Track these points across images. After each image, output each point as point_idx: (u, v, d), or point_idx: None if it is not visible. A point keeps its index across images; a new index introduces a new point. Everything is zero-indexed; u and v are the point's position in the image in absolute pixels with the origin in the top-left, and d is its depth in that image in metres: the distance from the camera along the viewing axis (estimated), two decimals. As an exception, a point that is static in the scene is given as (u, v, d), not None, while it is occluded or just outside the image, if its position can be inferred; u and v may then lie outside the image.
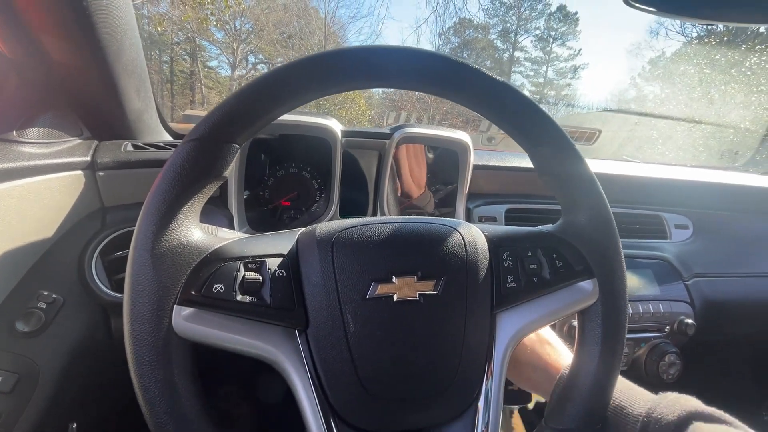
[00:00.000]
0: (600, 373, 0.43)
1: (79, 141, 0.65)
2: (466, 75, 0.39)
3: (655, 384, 0.85)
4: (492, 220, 0.88)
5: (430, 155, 0.91)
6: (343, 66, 0.37)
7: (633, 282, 0.87)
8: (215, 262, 0.36)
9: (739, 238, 1.04)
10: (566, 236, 0.44)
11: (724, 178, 1.06)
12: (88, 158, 0.63)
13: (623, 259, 0.44)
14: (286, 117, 0.72)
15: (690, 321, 0.85)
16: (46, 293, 0.57)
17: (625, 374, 0.88)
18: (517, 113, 0.41)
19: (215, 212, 0.71)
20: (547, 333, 0.56)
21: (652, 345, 0.85)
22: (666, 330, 0.86)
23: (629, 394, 0.47)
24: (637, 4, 0.63)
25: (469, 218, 0.88)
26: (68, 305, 0.59)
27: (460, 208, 0.86)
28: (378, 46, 0.37)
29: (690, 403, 0.43)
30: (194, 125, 0.36)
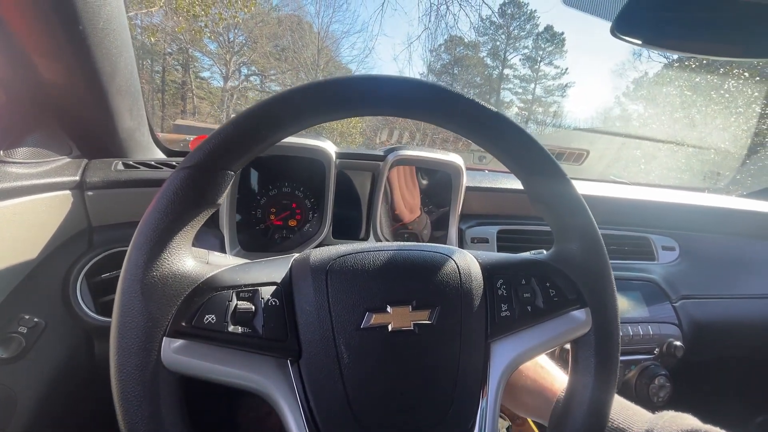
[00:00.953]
0: (594, 404, 0.43)
1: (68, 160, 0.64)
2: (462, 106, 0.40)
3: (645, 407, 0.85)
4: (484, 241, 0.89)
5: (424, 179, 0.92)
6: (341, 95, 0.37)
7: (622, 304, 0.87)
8: (207, 291, 0.35)
9: (723, 260, 1.06)
10: (559, 265, 0.45)
11: (708, 200, 1.09)
12: (77, 178, 0.62)
13: (615, 287, 0.45)
14: None
15: (678, 343, 0.85)
16: (27, 317, 0.55)
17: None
18: (511, 143, 0.42)
19: (206, 233, 0.71)
20: (539, 356, 0.56)
21: (642, 367, 0.86)
22: (655, 352, 0.87)
23: (626, 415, 0.47)
24: (623, 36, 0.66)
25: (461, 239, 0.88)
26: (50, 329, 0.57)
27: (453, 229, 0.86)
28: (377, 76, 0.38)
29: (687, 421, 0.44)
30: (189, 154, 0.36)
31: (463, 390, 0.40)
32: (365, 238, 0.86)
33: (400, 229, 0.91)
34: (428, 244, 0.45)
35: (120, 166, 0.67)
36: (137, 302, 0.32)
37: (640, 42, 0.67)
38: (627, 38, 0.65)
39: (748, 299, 1.02)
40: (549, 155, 0.43)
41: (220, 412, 0.73)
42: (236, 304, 0.36)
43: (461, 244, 0.88)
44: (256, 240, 0.80)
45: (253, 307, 0.36)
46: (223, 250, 0.71)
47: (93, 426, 0.67)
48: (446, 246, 0.45)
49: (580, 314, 0.43)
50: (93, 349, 0.63)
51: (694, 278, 0.99)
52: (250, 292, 0.37)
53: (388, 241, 0.85)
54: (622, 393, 0.87)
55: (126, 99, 0.65)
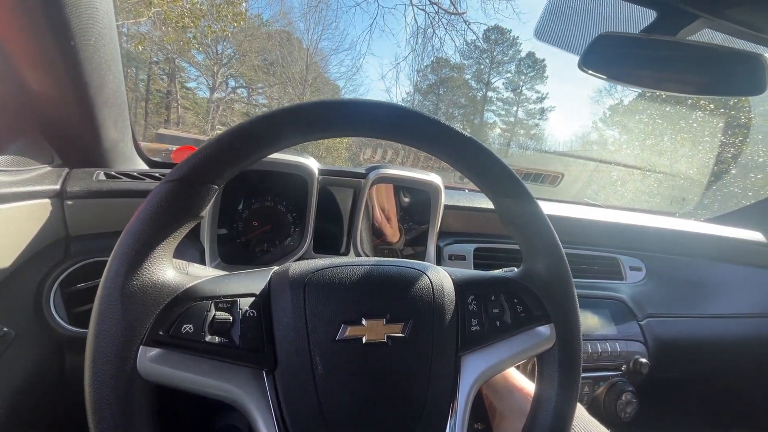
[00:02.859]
0: (558, 415, 0.45)
1: (49, 169, 0.64)
2: (437, 130, 0.43)
3: (613, 422, 0.88)
4: (461, 258, 0.91)
5: (405, 197, 0.95)
6: (320, 117, 0.39)
7: (591, 321, 0.91)
8: (186, 301, 0.36)
9: (687, 281, 1.12)
10: (526, 282, 0.47)
11: (674, 224, 1.15)
12: (57, 186, 0.62)
13: (577, 304, 0.47)
14: None
15: (644, 360, 0.89)
16: None
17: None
18: (483, 167, 0.45)
19: (186, 245, 0.71)
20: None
21: (610, 384, 0.89)
22: (623, 369, 0.90)
23: None
24: (589, 71, 0.71)
25: (439, 256, 0.91)
26: (20, 339, 0.56)
27: (431, 246, 0.89)
28: (358, 100, 0.40)
29: None
30: (174, 167, 0.37)
31: (434, 401, 0.42)
32: (346, 253, 0.87)
33: (380, 245, 0.93)
34: (404, 260, 0.47)
35: (102, 176, 0.67)
36: (116, 310, 0.32)
37: (604, 77, 0.72)
38: (592, 73, 0.71)
39: (710, 318, 1.08)
40: (517, 178, 0.46)
41: (198, 425, 0.72)
42: (214, 315, 0.37)
43: (439, 260, 0.90)
44: (237, 253, 0.80)
45: (231, 318, 0.37)
46: (203, 261, 0.71)
47: None
48: (421, 262, 0.47)
49: (545, 330, 0.46)
50: (63, 360, 0.61)
51: (660, 297, 1.04)
52: (228, 302, 0.38)
53: (368, 256, 0.87)
54: (591, 409, 0.90)
55: (112, 111, 0.66)
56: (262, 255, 0.83)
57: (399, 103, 0.48)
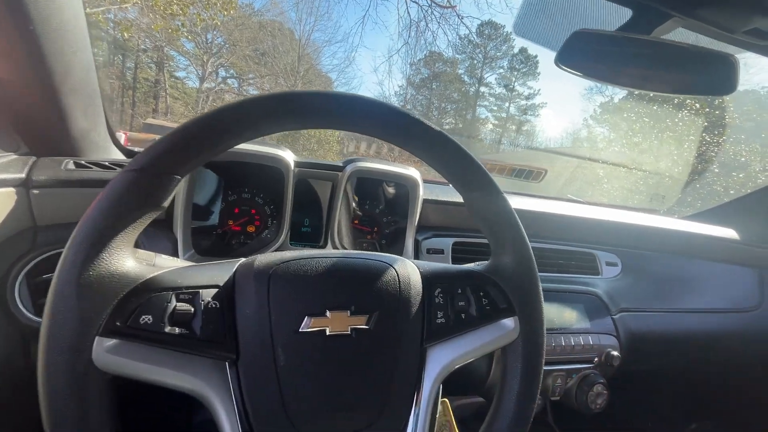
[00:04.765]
0: (519, 405, 0.46)
1: (14, 157, 0.62)
2: (406, 123, 0.43)
3: (585, 412, 0.90)
4: (439, 252, 0.92)
5: (385, 191, 0.95)
6: (287, 108, 0.39)
7: (566, 315, 0.93)
8: (145, 292, 0.36)
9: (662, 277, 1.14)
10: (493, 276, 0.48)
11: (650, 221, 1.17)
12: (23, 175, 0.60)
13: (542, 298, 0.48)
14: (240, 146, 0.73)
15: (616, 353, 0.91)
16: None
17: (558, 404, 0.93)
18: (451, 161, 0.45)
19: (159, 236, 0.70)
20: None
21: (582, 376, 0.91)
22: (595, 361, 0.92)
23: None
24: (565, 68, 0.71)
25: (417, 250, 0.91)
26: None
27: (410, 240, 0.89)
28: (326, 92, 0.40)
29: None
30: (135, 156, 0.37)
31: (398, 392, 0.43)
32: (324, 246, 0.87)
33: (359, 238, 0.93)
34: (373, 252, 0.47)
35: (71, 165, 0.66)
36: (71, 300, 0.32)
37: (580, 74, 0.73)
38: (568, 69, 0.71)
39: (682, 313, 1.10)
40: (486, 172, 0.46)
41: (161, 417, 0.72)
42: (175, 306, 0.37)
43: (417, 254, 0.90)
44: (212, 244, 0.80)
45: (192, 309, 0.37)
46: (176, 254, 0.71)
47: (27, 429, 0.65)
48: (389, 255, 0.47)
49: (510, 322, 0.47)
50: (29, 351, 0.61)
51: (634, 292, 1.06)
52: (190, 294, 0.38)
53: (345, 248, 0.87)
54: (563, 400, 0.92)
55: (80, 99, 0.64)
56: (239, 247, 0.82)
57: (374, 96, 0.48)
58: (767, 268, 1.22)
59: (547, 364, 0.87)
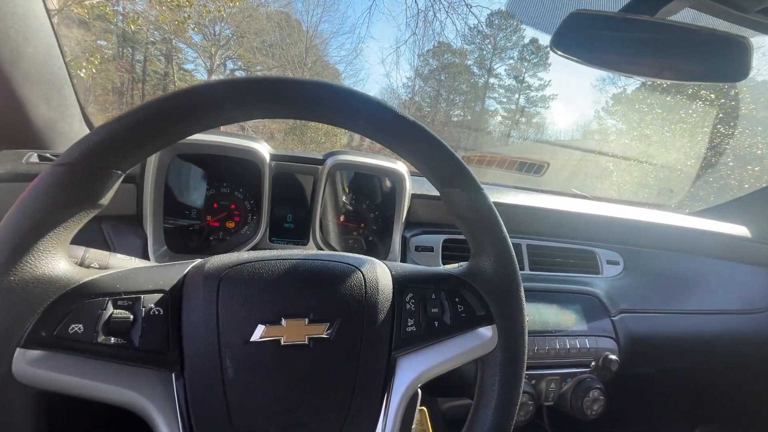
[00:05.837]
0: (494, 424, 0.43)
1: None
2: (375, 112, 0.39)
3: (580, 419, 0.86)
4: (429, 250, 0.88)
5: (371, 185, 0.91)
6: (244, 96, 0.35)
7: (562, 317, 0.88)
8: (77, 298, 0.33)
9: (665, 276, 1.09)
10: (470, 279, 0.44)
11: (653, 217, 1.11)
12: None
13: (524, 305, 0.44)
14: (211, 138, 0.69)
15: (614, 357, 0.87)
16: None
17: (552, 409, 0.89)
18: (427, 154, 0.41)
19: (128, 232, 0.67)
20: None
21: (578, 380, 0.86)
22: (591, 365, 0.88)
23: None
24: (560, 52, 0.66)
25: (405, 247, 0.87)
26: None
27: (397, 237, 0.85)
28: (281, 77, 0.36)
29: None
30: (68, 149, 0.34)
31: (361, 407, 0.40)
32: (306, 242, 0.84)
33: (345, 234, 0.89)
34: (339, 253, 0.44)
35: (34, 158, 0.63)
36: None
37: (577, 59, 0.67)
38: (564, 54, 0.66)
39: (685, 314, 1.05)
40: (464, 167, 0.42)
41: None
42: (111, 313, 0.34)
43: (405, 252, 0.87)
44: (188, 241, 0.77)
45: (132, 317, 0.34)
46: (146, 251, 0.68)
47: None
48: (358, 256, 0.44)
49: (487, 332, 0.43)
50: None
51: (635, 292, 1.01)
52: (130, 300, 0.35)
53: (330, 246, 0.83)
54: (557, 405, 0.88)
55: (39, 87, 0.61)
56: (217, 244, 0.79)
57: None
58: (780, 267, 1.15)
59: (540, 367, 0.84)
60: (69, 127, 0.73)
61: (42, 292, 0.31)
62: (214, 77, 16.19)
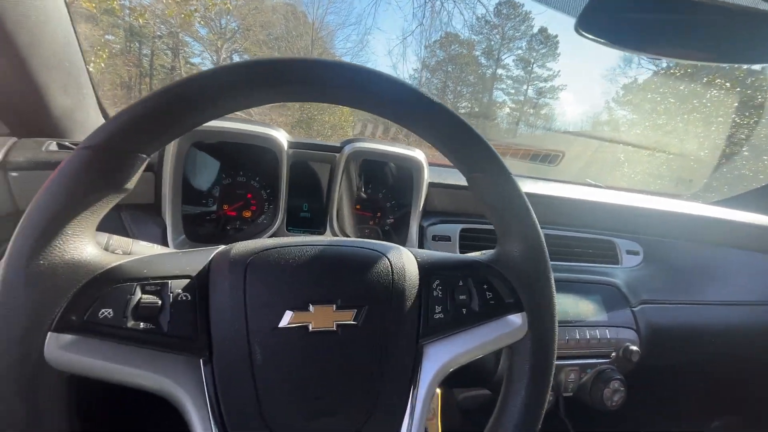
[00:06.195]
0: (525, 411, 0.42)
1: None
2: (402, 94, 0.38)
3: (600, 410, 0.85)
4: (446, 239, 0.87)
5: (388, 174, 0.90)
6: (271, 78, 0.34)
7: (582, 307, 0.87)
8: (106, 283, 0.33)
9: (686, 266, 1.07)
10: (498, 266, 0.43)
11: (675, 206, 1.09)
12: None
13: (554, 292, 0.43)
14: (229, 125, 0.69)
15: (635, 348, 0.85)
16: None
17: (571, 400, 0.88)
18: (453, 137, 0.40)
19: (147, 221, 0.67)
20: None
21: (598, 371, 0.85)
22: (612, 356, 0.87)
23: None
24: (587, 35, 0.64)
25: (422, 236, 0.86)
26: None
27: (414, 226, 0.84)
28: (312, 59, 0.35)
29: None
30: (92, 132, 0.33)
31: (388, 395, 0.39)
32: (323, 232, 0.83)
33: (361, 224, 0.88)
34: (365, 240, 0.43)
35: (53, 147, 0.63)
36: (19, 292, 0.29)
37: (604, 41, 0.65)
38: (590, 37, 0.64)
39: (707, 305, 1.03)
40: (494, 152, 0.41)
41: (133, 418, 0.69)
42: (140, 298, 0.33)
43: (422, 241, 0.86)
44: (206, 230, 0.76)
45: (160, 302, 0.34)
46: (165, 239, 0.68)
47: None
48: (383, 243, 0.43)
49: (516, 319, 0.42)
50: None
51: (656, 283, 0.99)
52: (157, 285, 0.35)
53: (346, 234, 0.83)
54: (577, 396, 0.87)
55: (57, 74, 0.60)
56: (235, 233, 0.79)
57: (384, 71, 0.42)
58: (803, 257, 1.12)
59: (560, 358, 0.82)
60: (85, 116, 0.73)
61: (71, 276, 0.31)
62: (221, 71, 16.14)
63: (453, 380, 0.68)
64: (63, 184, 0.31)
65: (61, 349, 0.30)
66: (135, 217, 0.65)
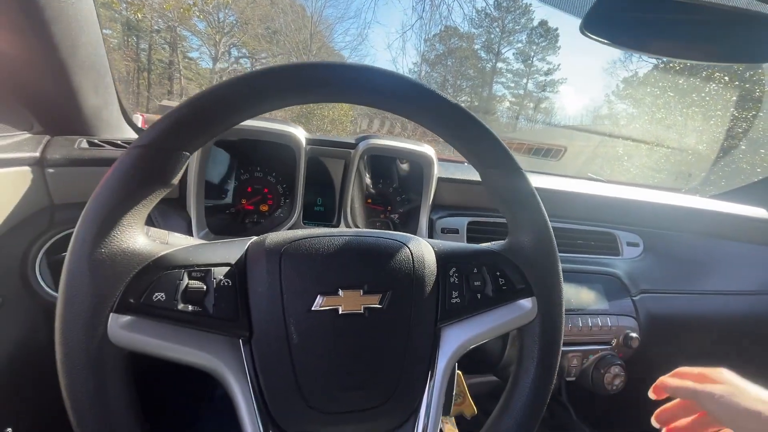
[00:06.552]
0: (535, 388, 0.45)
1: (28, 135, 0.63)
2: (421, 95, 0.41)
3: (601, 393, 0.89)
4: (454, 231, 0.90)
5: (399, 169, 0.93)
6: (299, 81, 0.38)
7: (584, 296, 0.91)
8: (157, 270, 0.36)
9: (685, 257, 1.10)
10: (510, 255, 0.46)
11: (674, 199, 1.12)
12: (37, 154, 0.60)
13: (561, 279, 0.47)
14: (248, 123, 0.72)
15: (634, 335, 0.89)
16: None
17: (573, 384, 0.92)
18: (470, 136, 0.43)
19: (172, 215, 0.70)
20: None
21: (599, 357, 0.89)
22: (613, 343, 0.91)
23: None
24: (592, 35, 0.67)
25: (431, 229, 0.90)
26: (8, 306, 0.57)
27: (424, 219, 0.87)
28: (339, 63, 0.38)
29: None
30: (142, 132, 0.36)
31: (411, 372, 0.42)
32: (337, 225, 0.86)
33: (372, 217, 0.92)
34: (386, 231, 0.46)
35: (84, 144, 0.66)
36: (84, 277, 0.32)
37: (609, 42, 0.68)
38: (595, 38, 0.67)
39: (705, 295, 1.07)
40: (506, 149, 0.44)
41: (182, 392, 0.73)
42: (187, 284, 0.36)
43: (431, 234, 0.89)
44: (226, 224, 0.80)
45: (205, 287, 0.37)
46: (190, 232, 0.71)
47: (51, 401, 0.67)
48: (403, 234, 0.46)
49: (527, 303, 0.45)
50: (51, 327, 0.62)
51: (655, 274, 1.03)
52: (202, 272, 0.38)
53: (357, 227, 0.86)
54: (579, 381, 0.91)
55: (90, 75, 0.63)
56: (253, 226, 0.82)
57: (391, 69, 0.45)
58: (798, 249, 1.16)
59: (563, 344, 0.87)
60: (110, 115, 0.75)
61: (128, 263, 0.34)
62: (219, 65, 16.09)
63: (462, 368, 0.72)
64: (119, 180, 0.34)
65: (121, 328, 0.33)
66: (162, 212, 0.68)
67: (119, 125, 0.80)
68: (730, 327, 1.08)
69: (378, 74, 0.39)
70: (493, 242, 0.50)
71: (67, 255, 0.33)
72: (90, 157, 0.64)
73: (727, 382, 0.51)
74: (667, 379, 0.57)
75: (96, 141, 0.67)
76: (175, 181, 0.38)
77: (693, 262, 1.11)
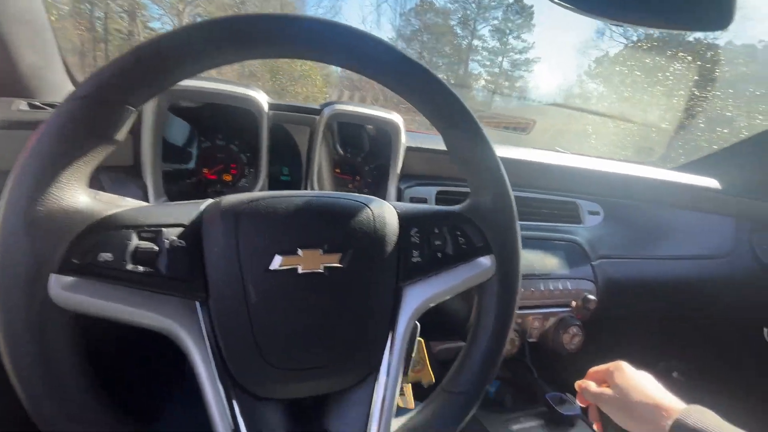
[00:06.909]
0: (491, 342, 0.47)
1: None
2: (380, 52, 0.40)
3: (560, 352, 0.94)
4: (423, 200, 0.91)
5: (367, 137, 0.91)
6: (256, 32, 0.36)
7: (546, 262, 0.94)
8: (102, 229, 0.34)
9: (641, 225, 1.16)
10: (470, 215, 0.47)
11: (633, 170, 1.17)
12: None
13: (518, 237, 0.48)
14: (206, 84, 0.68)
15: (592, 297, 0.94)
16: None
17: (535, 345, 0.97)
18: (430, 94, 0.43)
19: (127, 183, 0.67)
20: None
21: (559, 319, 0.94)
22: (572, 305, 0.96)
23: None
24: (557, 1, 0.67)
25: (400, 199, 0.90)
26: None
27: (392, 188, 0.87)
28: (296, 16, 0.37)
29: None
30: (81, 83, 0.34)
31: (371, 330, 0.43)
32: None
33: (341, 186, 0.91)
34: (348, 193, 0.46)
35: (24, 106, 0.61)
36: (20, 237, 0.30)
37: (571, 6, 0.68)
38: (558, 1, 0.66)
39: (658, 260, 1.14)
40: (468, 111, 0.44)
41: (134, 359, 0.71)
42: (137, 244, 0.35)
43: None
44: (186, 193, 0.77)
45: (156, 248, 0.36)
46: (146, 201, 0.68)
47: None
48: (365, 195, 0.46)
49: (486, 261, 0.46)
50: None
51: (614, 240, 1.08)
52: (152, 232, 0.36)
53: None
54: (540, 342, 0.96)
55: (23, 30, 0.58)
56: (215, 196, 0.79)
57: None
58: (743, 216, 1.25)
59: (525, 308, 0.91)
60: (53, 75, 0.70)
61: (69, 222, 0.32)
62: (184, 37, 15.15)
63: (429, 333, 0.74)
64: (54, 134, 0.31)
65: (64, 289, 0.31)
66: (115, 179, 0.65)
67: (64, 86, 0.74)
68: (680, 288, 1.16)
69: (336, 28, 0.38)
70: (456, 205, 0.51)
71: (0, 213, 0.31)
72: (29, 120, 0.59)
73: (616, 386, 0.59)
74: (580, 384, 0.66)
75: (37, 103, 0.62)
76: (120, 137, 0.36)
77: (649, 230, 1.17)
